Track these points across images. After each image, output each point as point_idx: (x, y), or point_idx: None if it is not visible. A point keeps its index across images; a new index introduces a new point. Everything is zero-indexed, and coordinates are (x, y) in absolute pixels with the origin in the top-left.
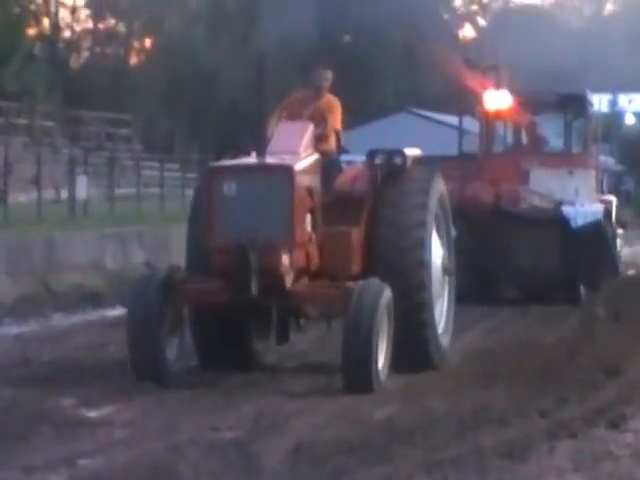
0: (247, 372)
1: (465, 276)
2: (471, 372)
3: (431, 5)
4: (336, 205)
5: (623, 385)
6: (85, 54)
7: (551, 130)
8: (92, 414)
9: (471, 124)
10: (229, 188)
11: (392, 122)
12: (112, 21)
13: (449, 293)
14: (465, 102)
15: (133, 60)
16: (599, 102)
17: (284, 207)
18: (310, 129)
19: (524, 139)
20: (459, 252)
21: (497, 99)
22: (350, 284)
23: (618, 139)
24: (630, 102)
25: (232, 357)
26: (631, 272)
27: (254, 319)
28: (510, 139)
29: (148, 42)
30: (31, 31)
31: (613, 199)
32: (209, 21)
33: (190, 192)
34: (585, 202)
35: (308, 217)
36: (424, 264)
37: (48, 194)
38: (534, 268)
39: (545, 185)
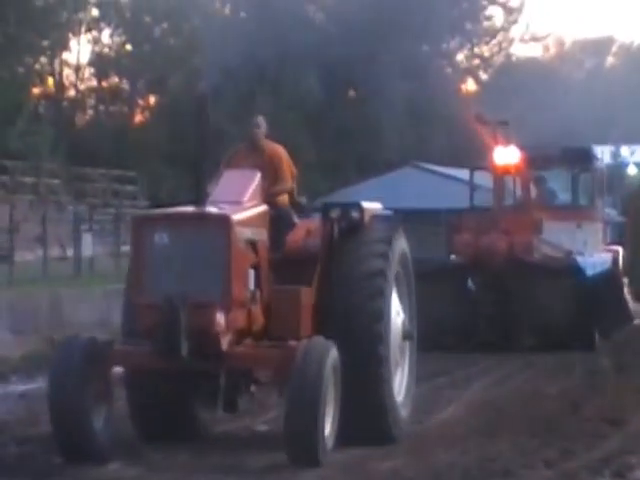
0: (192, 444)
1: (482, 326)
2: (476, 423)
3: (434, 60)
4: (287, 262)
5: (627, 435)
6: (89, 112)
7: (558, 184)
8: (100, 471)
9: (479, 178)
10: (160, 239)
11: (397, 176)
12: (116, 79)
13: (410, 360)
14: (477, 157)
15: (137, 118)
16: (601, 153)
17: (220, 261)
18: (257, 178)
19: (532, 193)
20: (475, 303)
21: (506, 155)
22: (293, 343)
23: (621, 190)
24: (633, 153)
25: (173, 427)
26: (637, 322)
27: (198, 384)
28: (519, 193)
29: (152, 100)
30: (36, 90)
31: (619, 249)
32: (212, 80)
33: None
34: (594, 252)
35: (251, 273)
36: (382, 330)
37: (54, 252)
38: (549, 316)
39: (555, 237)
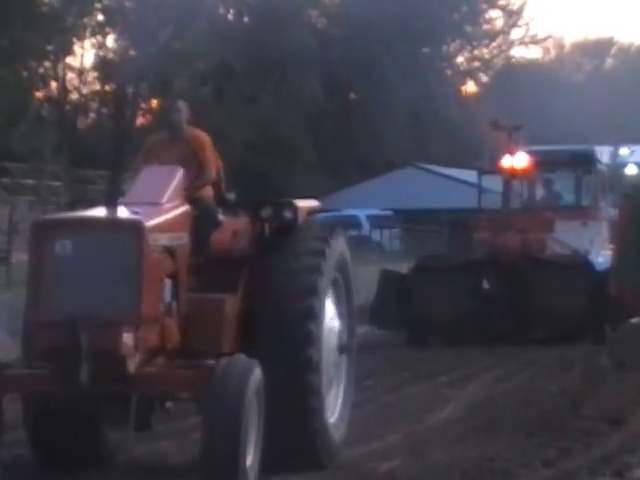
0: (100, 469)
1: (497, 319)
2: (475, 423)
3: (435, 62)
4: (211, 267)
5: (627, 434)
6: (92, 115)
7: (564, 185)
8: (93, 477)
9: (484, 181)
10: (62, 248)
11: (398, 177)
12: (119, 83)
13: (346, 375)
14: (476, 158)
15: (139, 121)
16: (600, 154)
17: (130, 274)
18: (179, 175)
19: (539, 194)
20: (491, 297)
21: (515, 159)
22: (212, 363)
23: (620, 190)
24: (631, 153)
25: (78, 450)
26: (635, 321)
27: (105, 404)
28: (527, 195)
29: (155, 103)
30: (39, 94)
31: None
32: (216, 82)
33: None
34: (599, 250)
35: (167, 284)
36: (311, 335)
37: None
38: (562, 311)
39: (562, 235)
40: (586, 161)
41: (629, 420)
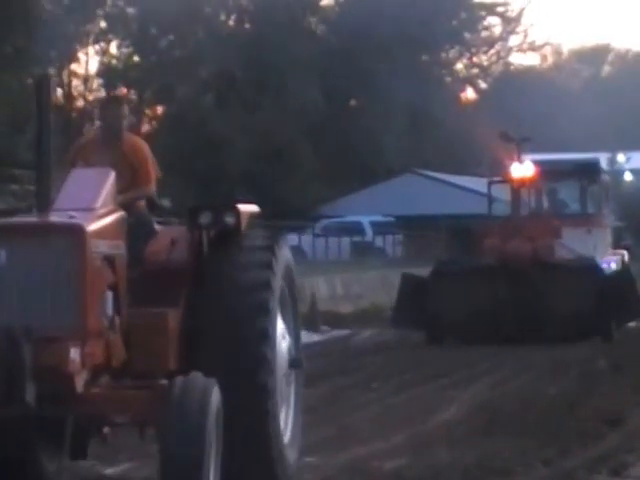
0: None
1: (509, 320)
2: (476, 424)
3: (434, 69)
4: (148, 279)
5: (624, 434)
6: (98, 122)
7: (569, 194)
8: (109, 471)
9: (495, 190)
10: None
11: (398, 183)
12: (124, 90)
13: (296, 392)
14: (476, 165)
15: (144, 128)
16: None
17: (72, 283)
18: (111, 178)
19: (545, 203)
20: (503, 299)
21: (522, 169)
22: (164, 382)
23: (617, 196)
24: (628, 160)
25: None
26: (631, 324)
27: (40, 428)
28: (534, 203)
29: (159, 110)
30: None
31: (625, 252)
32: (218, 90)
33: None
34: (603, 255)
35: (109, 296)
36: (266, 360)
37: None
38: (571, 312)
39: (567, 242)
40: (591, 171)
41: (626, 420)
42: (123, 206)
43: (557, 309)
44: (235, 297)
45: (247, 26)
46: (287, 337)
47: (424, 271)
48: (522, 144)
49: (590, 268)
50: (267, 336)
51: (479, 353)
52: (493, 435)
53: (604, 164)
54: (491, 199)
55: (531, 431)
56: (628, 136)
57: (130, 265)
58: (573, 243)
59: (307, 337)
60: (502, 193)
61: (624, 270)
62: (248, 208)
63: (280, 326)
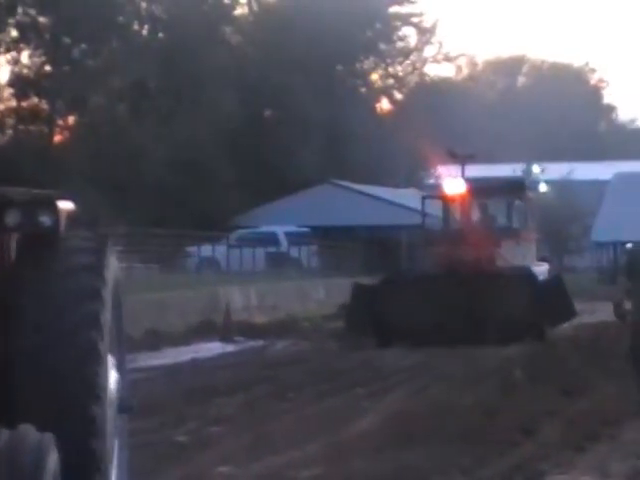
0: None
1: (454, 323)
2: (393, 433)
3: (349, 80)
4: None
5: (539, 443)
6: (9, 132)
7: (497, 210)
8: None
9: (411, 202)
10: None
11: (314, 194)
12: (35, 100)
13: (120, 444)
14: (394, 175)
15: (57, 138)
16: (513, 171)
17: None
18: None
19: (475, 218)
20: (448, 305)
21: (455, 185)
22: None
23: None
24: (543, 171)
25: None
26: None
27: None
28: (465, 218)
29: (72, 120)
30: None
31: (546, 264)
32: (132, 100)
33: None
34: (531, 265)
35: None
36: (99, 399)
37: None
38: (510, 315)
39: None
40: (517, 189)
41: (541, 430)
42: None
43: (497, 313)
44: (52, 314)
45: (161, 35)
46: (114, 370)
47: (341, 281)
48: (466, 160)
49: (527, 276)
50: (97, 363)
51: (394, 364)
52: (410, 444)
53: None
54: (424, 214)
55: (447, 440)
56: (543, 147)
57: None
58: (504, 254)
59: (221, 348)
60: (416, 204)
61: (556, 277)
62: (67, 205)
63: (109, 357)
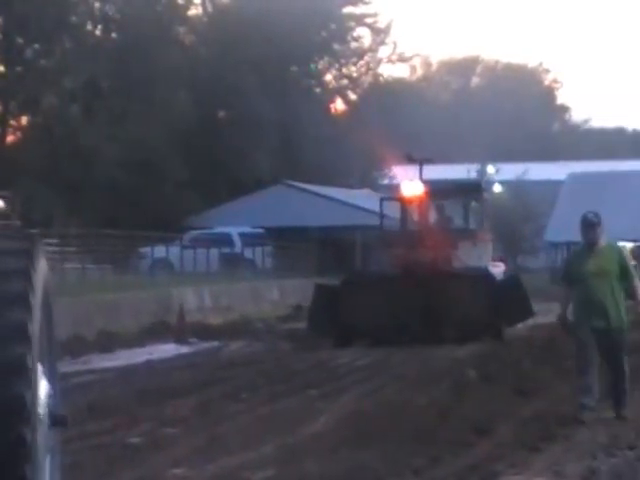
0: None
1: (412, 323)
2: (346, 434)
3: (303, 80)
4: None
5: (493, 443)
6: None
7: (454, 211)
8: None
9: (369, 203)
10: None
11: (268, 195)
12: None
13: (53, 461)
14: (347, 176)
15: (10, 138)
16: (468, 172)
17: None
18: None
19: (432, 219)
20: (406, 305)
21: (413, 187)
22: None
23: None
24: (498, 171)
25: None
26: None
27: None
28: (422, 219)
29: (24, 120)
30: None
31: (502, 264)
32: (85, 100)
33: (69, 266)
34: (486, 266)
35: None
36: (28, 420)
37: None
38: (468, 314)
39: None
40: (474, 191)
41: (495, 430)
42: None
43: (455, 313)
44: None
45: (114, 36)
46: (44, 381)
47: (295, 282)
48: (424, 163)
49: (484, 276)
50: (24, 380)
51: (350, 364)
52: (363, 445)
53: (474, 176)
54: (382, 215)
55: (401, 441)
56: (497, 147)
57: None
58: (461, 255)
59: (175, 349)
60: (370, 205)
61: (514, 277)
62: None
63: (39, 368)
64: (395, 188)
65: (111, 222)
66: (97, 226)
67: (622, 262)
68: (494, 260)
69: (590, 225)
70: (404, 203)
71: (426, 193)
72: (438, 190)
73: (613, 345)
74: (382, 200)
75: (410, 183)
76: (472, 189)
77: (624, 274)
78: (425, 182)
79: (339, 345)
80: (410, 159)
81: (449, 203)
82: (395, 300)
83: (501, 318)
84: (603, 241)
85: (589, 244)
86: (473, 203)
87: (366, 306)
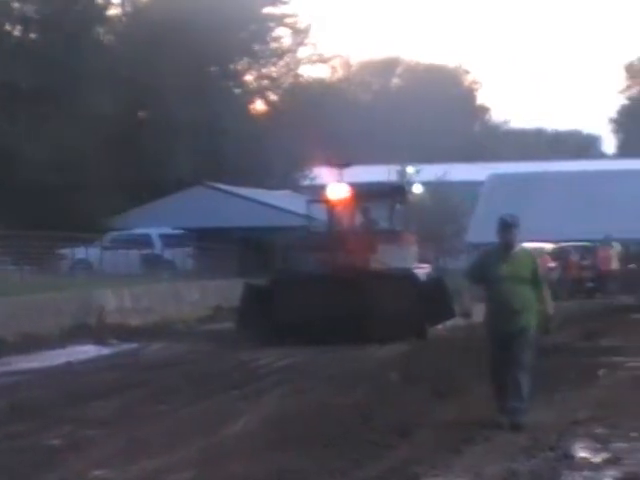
0: None
1: (340, 322)
2: (269, 437)
3: (222, 81)
4: None
5: (414, 445)
6: None
7: (379, 213)
8: None
9: (286, 203)
10: None
11: (189, 196)
12: None
13: None
14: (268, 176)
15: None
16: (388, 173)
17: None
18: None
19: (358, 221)
20: (334, 305)
21: (339, 190)
22: None
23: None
24: (418, 172)
25: None
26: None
27: None
28: (348, 221)
29: None
30: None
31: (428, 266)
32: (4, 101)
33: None
34: (411, 267)
35: None
36: None
37: None
38: (393, 314)
39: (380, 256)
40: (398, 193)
41: (416, 432)
42: None
43: (380, 313)
44: None
45: (33, 36)
46: None
47: (215, 283)
48: (343, 167)
49: (408, 277)
50: None
51: (271, 365)
52: (286, 446)
53: (394, 177)
54: (309, 218)
55: (323, 442)
56: (418, 148)
57: None
58: (385, 257)
59: (96, 351)
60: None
61: (438, 278)
62: None
63: None
64: (317, 190)
65: (32, 223)
66: (19, 228)
67: (534, 268)
68: (420, 262)
69: (507, 226)
70: (330, 205)
71: (352, 196)
72: (363, 193)
73: (522, 349)
74: (308, 202)
75: (336, 186)
76: (397, 191)
77: (535, 280)
78: (351, 185)
79: (271, 343)
80: (330, 164)
81: (374, 206)
82: (323, 300)
83: (424, 318)
84: (518, 244)
85: (505, 246)
86: (398, 205)
87: (298, 305)
